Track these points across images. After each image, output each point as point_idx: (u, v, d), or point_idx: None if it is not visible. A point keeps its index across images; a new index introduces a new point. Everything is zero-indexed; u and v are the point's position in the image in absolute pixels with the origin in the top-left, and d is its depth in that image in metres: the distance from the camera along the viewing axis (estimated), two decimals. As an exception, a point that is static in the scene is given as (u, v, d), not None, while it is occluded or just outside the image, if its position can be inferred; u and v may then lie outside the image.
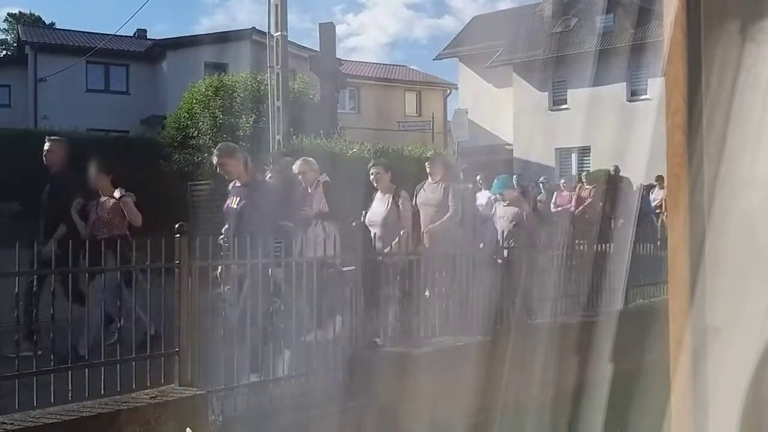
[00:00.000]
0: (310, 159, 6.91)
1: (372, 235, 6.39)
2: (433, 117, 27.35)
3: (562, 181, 14.96)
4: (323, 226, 6.43)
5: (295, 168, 6.79)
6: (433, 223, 6.98)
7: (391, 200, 6.62)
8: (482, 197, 10.41)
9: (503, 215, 7.28)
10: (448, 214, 6.99)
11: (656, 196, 15.27)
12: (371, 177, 6.76)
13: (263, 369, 4.78)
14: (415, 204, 7.10)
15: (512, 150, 24.56)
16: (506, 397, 5.08)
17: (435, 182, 7.31)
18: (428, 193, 7.30)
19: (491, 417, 4.98)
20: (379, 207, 6.66)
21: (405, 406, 4.91)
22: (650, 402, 3.53)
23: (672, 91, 1.12)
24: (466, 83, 28.11)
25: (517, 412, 5.14)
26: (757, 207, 1.07)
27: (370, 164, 7.00)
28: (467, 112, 21.04)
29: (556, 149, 23.81)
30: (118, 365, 4.41)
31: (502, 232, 6.96)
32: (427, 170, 7.49)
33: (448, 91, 31.50)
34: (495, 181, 7.72)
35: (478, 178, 11.37)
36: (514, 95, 24.97)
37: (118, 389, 4.26)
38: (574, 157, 23.71)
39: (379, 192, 6.75)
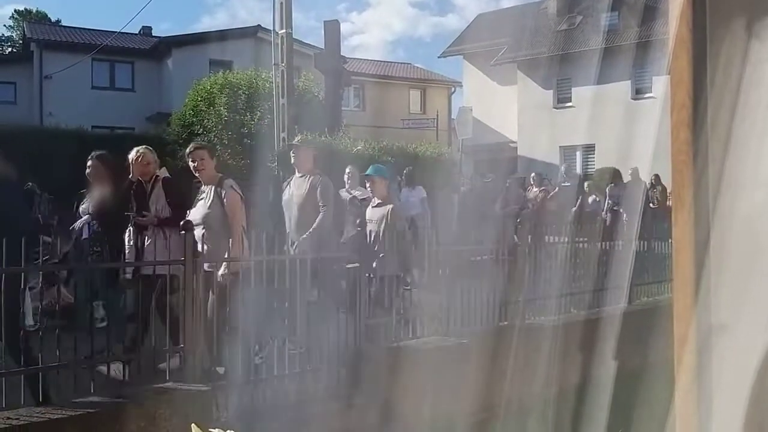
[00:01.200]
0: (149, 148, 5.68)
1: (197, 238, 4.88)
2: (437, 115, 27.32)
3: (532, 175, 13.66)
4: (163, 234, 5.22)
5: (130, 157, 5.59)
6: (300, 225, 5.79)
7: (213, 193, 5.25)
8: (411, 196, 9.74)
9: (372, 218, 6.18)
10: (319, 218, 5.76)
11: (614, 193, 15.07)
12: (190, 164, 5.31)
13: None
14: (290, 199, 5.98)
15: (516, 148, 24.53)
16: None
17: (301, 175, 6.02)
18: (294, 188, 6.04)
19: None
20: (201, 203, 5.29)
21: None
22: (654, 399, 3.52)
23: (677, 87, 1.12)
24: (470, 81, 28.07)
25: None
26: (762, 204, 1.07)
27: (190, 147, 5.50)
28: (471, 110, 21.02)
29: (560, 147, 23.76)
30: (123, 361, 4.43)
31: (370, 233, 6.01)
32: (292, 161, 6.21)
33: (453, 88, 31.46)
34: (370, 167, 6.58)
35: (404, 172, 10.48)
36: (518, 93, 24.93)
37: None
38: (578, 154, 23.66)
39: (202, 185, 5.42)
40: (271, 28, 13.28)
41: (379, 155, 13.99)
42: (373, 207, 6.32)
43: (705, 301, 1.10)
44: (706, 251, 1.10)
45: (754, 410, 1.05)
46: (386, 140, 15.42)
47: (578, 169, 22.56)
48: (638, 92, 22.21)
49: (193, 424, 1.13)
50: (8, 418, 3.72)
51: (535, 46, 24.69)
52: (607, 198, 14.13)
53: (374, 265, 5.62)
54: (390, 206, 6.17)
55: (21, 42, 32.39)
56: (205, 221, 5.07)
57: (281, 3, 12.60)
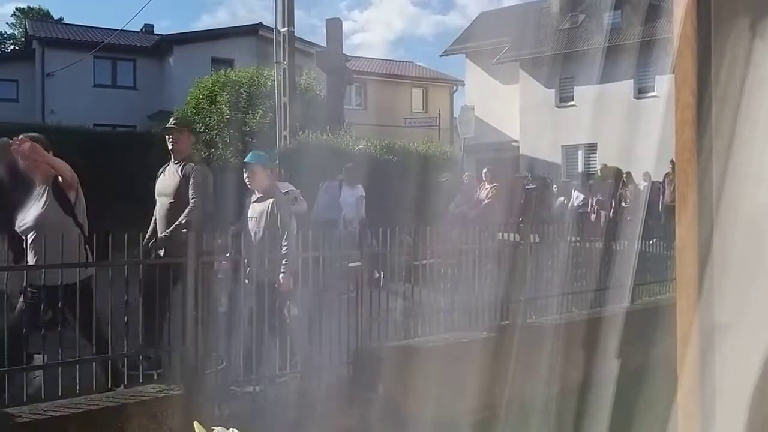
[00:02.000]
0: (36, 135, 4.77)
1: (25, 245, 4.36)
2: (439, 114, 27.32)
3: (484, 170, 12.24)
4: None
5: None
6: (169, 218, 5.30)
7: (47, 193, 4.56)
8: (349, 195, 9.20)
9: (252, 215, 5.44)
10: (187, 210, 5.26)
11: (578, 193, 14.98)
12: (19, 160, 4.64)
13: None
14: (162, 189, 5.50)
15: (519, 147, 24.52)
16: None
17: (176, 163, 5.49)
18: (166, 178, 5.51)
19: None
20: (34, 205, 4.58)
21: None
22: (657, 398, 3.52)
23: (681, 86, 1.12)
24: (472, 80, 28.07)
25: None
26: (766, 203, 1.07)
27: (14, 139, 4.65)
28: (474, 109, 21.03)
29: (562, 146, 23.75)
30: (125, 359, 4.43)
31: (254, 233, 5.29)
32: (169, 147, 5.54)
33: (455, 87, 31.45)
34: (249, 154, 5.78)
35: (344, 168, 9.95)
36: (520, 92, 24.92)
37: (125, 383, 4.28)
38: (580, 154, 23.66)
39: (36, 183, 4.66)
40: (273, 26, 13.27)
41: (381, 154, 13.99)
42: (253, 202, 5.51)
43: (708, 300, 1.10)
44: (709, 249, 1.10)
45: (758, 408, 1.05)
46: (388, 139, 15.41)
47: (580, 168, 22.57)
48: (641, 91, 22.19)
49: (195, 423, 1.13)
50: (12, 414, 3.72)
51: (538, 44, 24.67)
52: (579, 196, 14.12)
53: (248, 270, 4.99)
54: (271, 200, 5.35)
55: (23, 40, 32.41)
56: (38, 224, 4.46)
57: (283, 1, 12.60)
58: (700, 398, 1.10)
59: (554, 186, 14.92)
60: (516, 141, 24.95)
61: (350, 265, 5.47)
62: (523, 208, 12.16)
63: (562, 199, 14.77)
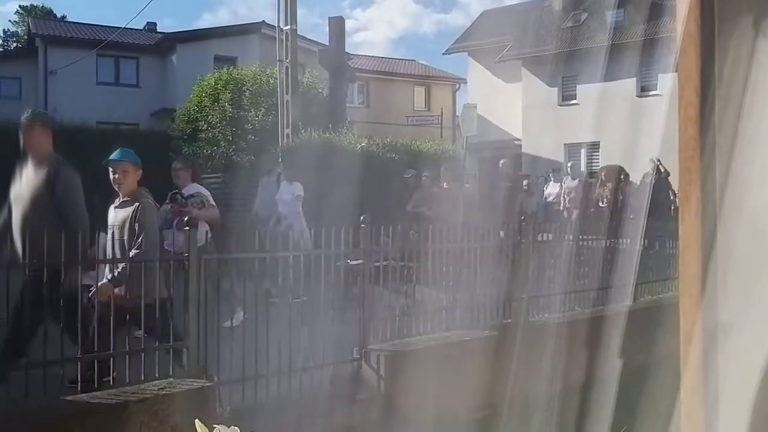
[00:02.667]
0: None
1: None
2: (441, 112, 27.30)
3: (441, 169, 11.42)
4: None
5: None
6: (26, 226, 4.46)
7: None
8: (286, 192, 8.70)
9: (114, 221, 4.73)
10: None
11: (551, 191, 14.80)
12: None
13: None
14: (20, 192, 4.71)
15: (521, 145, 24.49)
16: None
17: (35, 162, 4.70)
18: (25, 180, 4.72)
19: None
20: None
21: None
22: (660, 397, 3.52)
23: (685, 84, 1.11)
24: (475, 78, 28.03)
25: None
26: (770, 201, 1.06)
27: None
28: (476, 107, 20.99)
29: (565, 145, 23.71)
30: (127, 356, 4.44)
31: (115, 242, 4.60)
32: (25, 145, 4.75)
33: (457, 85, 31.42)
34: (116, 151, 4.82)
35: (280, 164, 9.65)
36: (523, 90, 24.89)
37: (127, 380, 4.29)
38: (583, 152, 23.62)
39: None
40: (276, 24, 13.28)
41: (383, 152, 13.99)
42: (115, 207, 4.78)
43: (711, 299, 1.09)
44: (712, 248, 1.09)
45: (761, 407, 1.05)
46: (390, 137, 15.41)
47: (583, 167, 22.53)
48: (644, 89, 22.14)
49: (196, 421, 1.13)
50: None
51: (540, 43, 24.63)
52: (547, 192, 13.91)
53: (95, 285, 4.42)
54: (136, 206, 4.59)
55: (26, 38, 32.43)
56: None
57: (286, -1, 12.61)
58: (703, 397, 1.10)
59: (525, 183, 14.59)
60: (518, 139, 24.91)
61: (351, 262, 5.46)
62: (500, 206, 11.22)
63: (548, 192, 14.69)
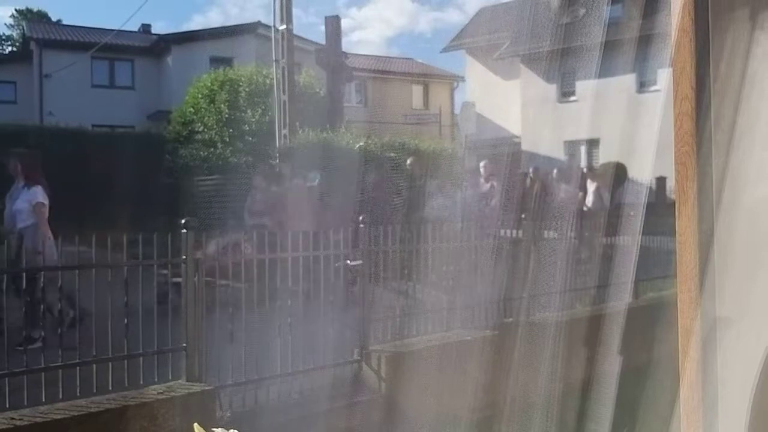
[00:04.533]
0: None
1: None
2: (440, 110, 27.30)
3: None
4: None
5: None
6: None
7: None
8: (22, 199, 6.65)
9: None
10: None
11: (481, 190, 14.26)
12: None
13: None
14: None
15: (520, 143, 24.47)
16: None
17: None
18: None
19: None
20: None
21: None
22: (659, 393, 3.51)
23: (680, 79, 1.11)
24: (473, 76, 28.01)
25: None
26: (766, 196, 1.05)
27: None
28: (474, 105, 20.98)
29: (564, 142, 23.70)
30: (126, 361, 4.42)
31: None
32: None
33: (455, 83, 31.42)
34: None
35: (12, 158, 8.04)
36: (521, 87, 24.87)
37: (126, 385, 4.27)
38: (582, 149, 23.60)
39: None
40: (272, 24, 13.26)
41: (382, 151, 13.97)
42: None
43: (709, 294, 1.09)
44: (710, 244, 1.09)
45: (760, 402, 1.04)
46: (389, 136, 15.39)
47: (582, 164, 22.51)
48: (643, 85, 22.12)
49: (195, 425, 1.12)
50: (12, 418, 3.72)
51: (538, 39, 24.60)
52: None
53: None
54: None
55: (21, 41, 32.40)
56: None
57: (281, -1, 12.59)
58: (703, 393, 1.09)
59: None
60: (518, 137, 24.90)
61: (350, 263, 5.45)
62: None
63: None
